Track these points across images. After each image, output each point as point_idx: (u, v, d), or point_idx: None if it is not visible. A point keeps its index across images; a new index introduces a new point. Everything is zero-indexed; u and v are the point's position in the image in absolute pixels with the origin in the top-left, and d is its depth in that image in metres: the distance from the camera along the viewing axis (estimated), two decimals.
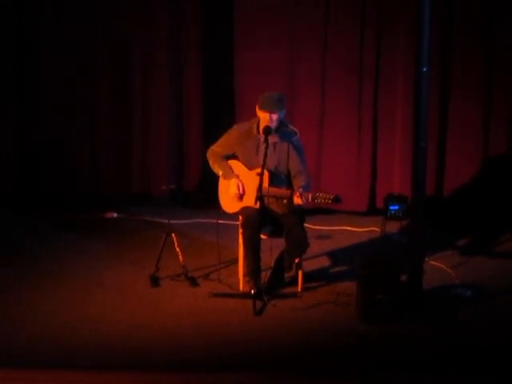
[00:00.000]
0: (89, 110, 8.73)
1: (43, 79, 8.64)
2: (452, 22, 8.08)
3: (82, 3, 8.51)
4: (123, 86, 8.70)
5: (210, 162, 6.46)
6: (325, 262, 7.11)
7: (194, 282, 6.52)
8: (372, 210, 8.46)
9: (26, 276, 6.68)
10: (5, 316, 5.89)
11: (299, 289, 6.39)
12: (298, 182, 6.16)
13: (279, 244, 6.29)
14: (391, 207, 7.92)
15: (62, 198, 8.66)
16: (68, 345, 5.45)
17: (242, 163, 6.35)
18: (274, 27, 8.39)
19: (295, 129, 6.33)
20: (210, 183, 6.97)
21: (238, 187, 6.30)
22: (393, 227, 7.76)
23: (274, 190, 6.09)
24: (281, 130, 6.22)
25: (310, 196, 5.88)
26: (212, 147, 6.48)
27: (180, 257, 6.57)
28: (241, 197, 6.31)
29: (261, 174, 5.99)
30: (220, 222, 6.66)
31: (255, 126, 6.28)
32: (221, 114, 8.52)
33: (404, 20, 8.05)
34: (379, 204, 8.39)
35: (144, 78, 8.69)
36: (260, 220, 6.13)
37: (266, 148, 6.04)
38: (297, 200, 5.93)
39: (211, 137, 6.84)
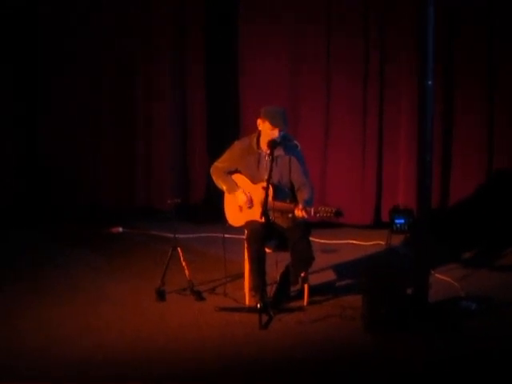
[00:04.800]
0: (92, 125, 8.78)
1: (43, 91, 8.68)
2: (454, 36, 8.13)
3: (82, 12, 8.58)
4: (127, 100, 8.76)
5: (214, 178, 6.48)
6: (330, 275, 7.11)
7: (199, 296, 6.53)
8: (377, 224, 8.47)
9: (30, 289, 6.69)
10: (8, 329, 5.89)
11: (305, 303, 6.38)
12: (302, 195, 6.18)
13: (285, 258, 6.29)
14: (397, 221, 7.93)
15: (66, 212, 8.69)
16: (72, 357, 5.44)
17: (246, 178, 6.38)
18: (277, 40, 8.46)
19: (296, 142, 6.36)
20: (216, 197, 6.98)
21: (244, 193, 6.31)
22: (398, 240, 7.78)
23: (279, 204, 6.11)
24: (283, 143, 6.24)
25: (312, 210, 5.91)
26: (215, 163, 6.50)
27: (186, 271, 6.57)
28: (250, 203, 6.31)
29: (266, 188, 6.00)
30: (226, 236, 6.67)
31: (255, 141, 6.30)
32: (225, 127, 8.57)
33: (408, 29, 8.08)
34: (384, 217, 8.40)
35: (147, 92, 8.75)
36: (265, 234, 6.14)
37: (272, 162, 6.06)
38: (299, 213, 5.95)
39: (216, 150, 6.86)
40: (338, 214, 5.88)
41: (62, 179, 8.77)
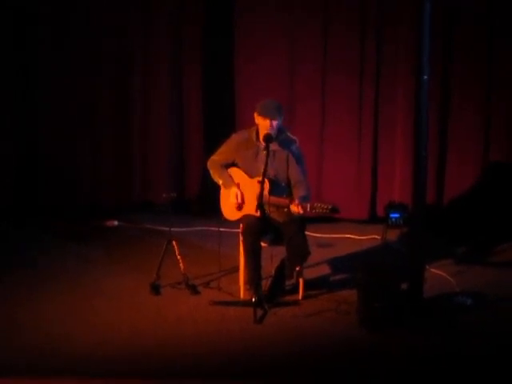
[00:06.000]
0: (89, 120, 8.75)
1: (42, 91, 8.65)
2: (452, 32, 8.13)
3: (82, 12, 8.56)
4: (125, 99, 8.73)
5: (211, 172, 6.48)
6: (326, 269, 7.11)
7: (194, 289, 6.52)
8: (373, 218, 8.48)
9: (26, 285, 6.66)
10: (5, 324, 5.88)
11: (300, 297, 6.38)
12: (298, 191, 6.18)
13: (280, 252, 6.29)
14: (392, 215, 7.94)
15: (62, 208, 8.66)
16: (68, 353, 5.44)
17: (243, 171, 6.37)
18: (273, 39, 8.45)
19: (294, 137, 6.35)
20: (211, 191, 6.99)
21: (236, 197, 6.32)
22: (394, 235, 7.79)
23: (274, 199, 6.10)
24: (280, 137, 6.24)
25: (308, 206, 5.90)
26: (212, 157, 6.50)
27: (181, 264, 6.57)
28: (239, 207, 6.33)
29: (261, 182, 6.00)
30: (221, 229, 6.66)
31: (254, 134, 6.30)
32: (222, 124, 8.54)
33: (404, 28, 8.09)
34: (380, 212, 8.41)
35: (144, 87, 8.73)
36: (261, 228, 6.14)
37: (267, 156, 6.05)
38: (295, 209, 5.95)
39: (212, 144, 6.86)
40: (334, 210, 5.89)
41: (58, 180, 8.74)
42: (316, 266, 7.03)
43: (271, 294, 6.29)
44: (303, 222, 6.24)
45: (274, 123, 6.18)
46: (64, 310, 6.16)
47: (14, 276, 6.87)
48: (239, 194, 6.32)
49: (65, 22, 8.55)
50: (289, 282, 6.46)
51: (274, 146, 6.17)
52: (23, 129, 8.69)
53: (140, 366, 5.29)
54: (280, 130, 6.25)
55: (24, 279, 6.80)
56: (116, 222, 8.49)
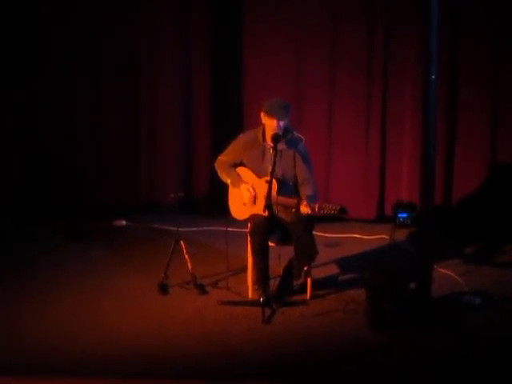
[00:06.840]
0: (95, 120, 8.76)
1: (47, 89, 8.67)
2: (459, 30, 8.12)
3: (82, 12, 8.57)
4: (130, 94, 8.74)
5: (219, 172, 6.48)
6: (333, 269, 7.11)
7: (202, 289, 6.53)
8: (381, 218, 8.47)
9: (31, 285, 6.67)
10: (5, 324, 5.88)
11: (308, 296, 6.38)
12: (305, 190, 6.17)
13: (288, 252, 6.29)
14: (400, 215, 7.94)
15: (69, 208, 8.67)
16: (68, 353, 5.43)
17: (250, 171, 6.37)
18: (280, 39, 8.48)
19: (300, 135, 6.35)
20: (219, 190, 6.99)
21: (249, 190, 6.31)
22: (402, 235, 7.78)
23: (282, 199, 6.09)
24: (286, 137, 6.24)
25: (316, 206, 5.90)
26: (219, 157, 6.50)
27: (189, 264, 6.57)
28: (254, 199, 6.31)
29: (269, 182, 5.99)
30: (229, 229, 6.66)
31: (260, 134, 6.29)
32: (229, 124, 8.54)
33: (412, 27, 8.09)
34: (388, 212, 8.41)
35: (151, 86, 8.74)
36: (268, 227, 6.14)
37: (275, 156, 6.05)
38: (304, 209, 5.95)
39: (219, 143, 6.86)
40: (342, 211, 5.88)
41: (63, 179, 8.75)
42: (324, 266, 7.03)
43: (279, 293, 6.29)
44: (311, 221, 6.24)
45: (281, 123, 6.17)
46: (65, 310, 6.15)
47: (14, 276, 6.88)
48: (251, 187, 6.31)
49: (65, 22, 8.55)
50: (297, 282, 6.46)
51: (280, 146, 6.16)
52: (24, 128, 8.70)
53: (146, 365, 5.28)
54: (287, 130, 6.24)
55: (28, 280, 6.79)
56: (124, 222, 8.50)
